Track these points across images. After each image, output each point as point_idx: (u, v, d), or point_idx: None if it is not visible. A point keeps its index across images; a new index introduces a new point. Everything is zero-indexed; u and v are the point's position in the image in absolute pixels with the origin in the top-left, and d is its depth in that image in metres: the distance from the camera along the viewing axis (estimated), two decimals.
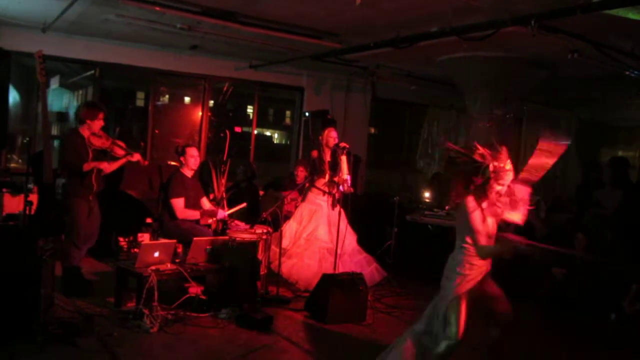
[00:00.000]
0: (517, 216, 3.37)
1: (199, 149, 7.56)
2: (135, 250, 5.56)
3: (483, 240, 3.29)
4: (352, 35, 6.30)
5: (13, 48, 5.53)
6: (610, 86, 8.19)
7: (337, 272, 5.45)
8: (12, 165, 8.17)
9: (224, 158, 6.54)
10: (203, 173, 6.80)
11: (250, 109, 10.85)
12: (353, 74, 8.90)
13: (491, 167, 3.27)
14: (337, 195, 6.08)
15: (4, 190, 6.57)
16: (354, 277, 5.18)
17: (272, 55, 7.69)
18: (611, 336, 5.42)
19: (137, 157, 5.34)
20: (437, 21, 5.05)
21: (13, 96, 7.93)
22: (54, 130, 9.65)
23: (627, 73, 6.36)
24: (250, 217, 6.42)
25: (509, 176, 3.32)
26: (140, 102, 11.23)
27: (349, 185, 6.01)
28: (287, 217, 6.34)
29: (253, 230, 5.60)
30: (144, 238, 5.95)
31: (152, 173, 7.10)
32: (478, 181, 3.29)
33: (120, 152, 5.27)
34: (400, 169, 10.93)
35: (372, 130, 10.95)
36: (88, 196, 5.17)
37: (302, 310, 5.21)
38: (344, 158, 5.97)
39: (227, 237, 5.29)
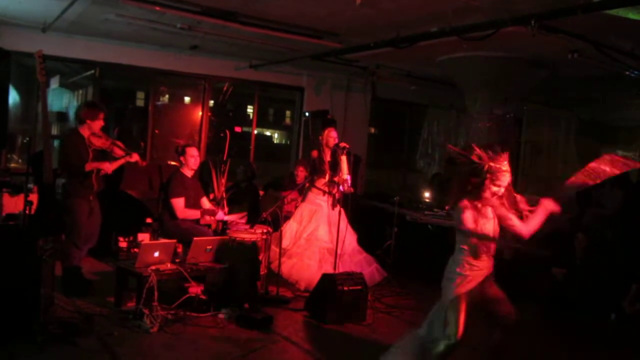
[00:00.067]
0: (515, 220, 3.36)
1: (199, 148, 7.54)
2: (135, 250, 5.56)
3: (474, 241, 3.30)
4: (352, 35, 6.30)
5: (13, 48, 5.53)
6: (610, 86, 8.19)
7: (337, 272, 5.45)
8: (12, 165, 8.17)
9: (224, 158, 6.54)
10: (203, 173, 6.80)
11: (250, 109, 10.84)
12: (353, 73, 8.90)
13: (486, 168, 3.27)
14: (337, 195, 6.08)
15: (4, 190, 6.56)
16: (354, 277, 5.18)
17: (272, 55, 7.69)
18: (611, 336, 5.41)
19: (135, 157, 5.33)
20: (437, 21, 5.05)
21: (13, 96, 7.93)
22: (54, 130, 9.62)
23: (627, 73, 6.36)
24: (250, 217, 6.42)
25: (506, 177, 3.32)
26: (140, 102, 11.22)
27: (349, 185, 6.02)
28: (287, 217, 6.33)
29: (253, 230, 5.60)
30: (144, 238, 5.95)
31: (152, 173, 7.11)
32: (474, 182, 3.30)
33: (120, 152, 5.27)
34: (400, 169, 10.92)
35: (372, 130, 10.95)
36: (88, 196, 5.17)
37: (302, 310, 5.20)
38: (344, 158, 5.97)
39: (227, 237, 5.29)
